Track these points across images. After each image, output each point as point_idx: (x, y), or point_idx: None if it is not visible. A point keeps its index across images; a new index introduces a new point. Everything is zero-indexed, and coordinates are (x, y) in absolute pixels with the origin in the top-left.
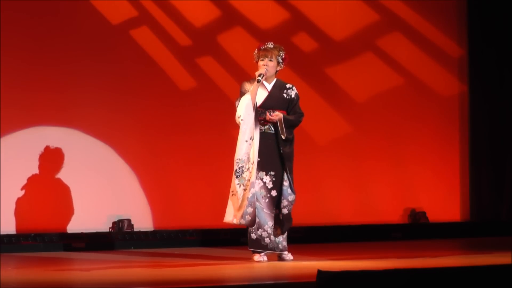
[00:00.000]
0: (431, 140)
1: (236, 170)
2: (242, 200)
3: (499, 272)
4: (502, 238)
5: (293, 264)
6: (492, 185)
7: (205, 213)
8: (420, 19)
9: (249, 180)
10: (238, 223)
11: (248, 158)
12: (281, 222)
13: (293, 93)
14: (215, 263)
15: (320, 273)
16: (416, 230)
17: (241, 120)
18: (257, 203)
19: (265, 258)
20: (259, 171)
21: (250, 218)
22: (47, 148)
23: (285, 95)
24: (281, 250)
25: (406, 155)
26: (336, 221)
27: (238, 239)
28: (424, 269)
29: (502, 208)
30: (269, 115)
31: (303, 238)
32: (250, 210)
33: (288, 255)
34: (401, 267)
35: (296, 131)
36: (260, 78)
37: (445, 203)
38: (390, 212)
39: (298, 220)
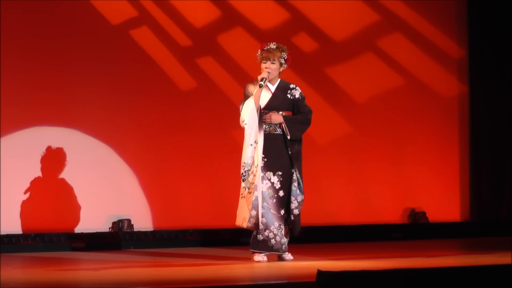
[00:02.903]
0: (431, 140)
1: (242, 173)
2: (248, 204)
3: (499, 272)
4: (502, 238)
5: (293, 264)
6: (492, 185)
7: (205, 213)
8: (420, 20)
9: (253, 183)
10: (246, 227)
11: (253, 162)
12: (292, 223)
13: (297, 93)
14: (215, 263)
15: (320, 273)
16: (416, 230)
17: (245, 124)
18: (264, 204)
19: (265, 258)
20: (266, 171)
21: (254, 221)
22: (47, 148)
23: (289, 96)
24: (283, 251)
25: (406, 155)
26: (336, 221)
27: (238, 239)
28: (424, 269)
29: (502, 208)
30: (265, 117)
31: (303, 238)
32: (253, 213)
33: (288, 255)
34: (401, 267)
35: None
36: (262, 83)
37: (445, 203)
38: (390, 212)
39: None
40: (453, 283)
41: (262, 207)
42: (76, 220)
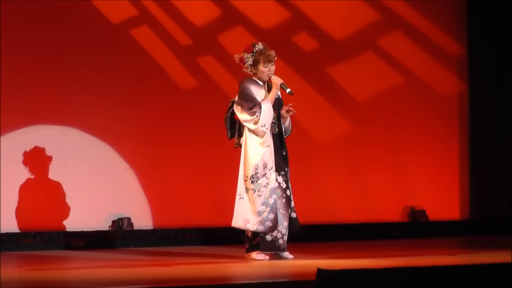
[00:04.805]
0: (431, 138)
1: (252, 175)
2: (257, 206)
3: (499, 271)
4: (502, 237)
5: (292, 262)
6: (492, 183)
7: (205, 212)
8: (420, 18)
9: (265, 185)
10: (255, 229)
11: (264, 164)
12: (295, 221)
13: (279, 93)
14: (215, 261)
15: (320, 271)
16: (415, 228)
17: (267, 129)
18: None
19: (267, 257)
20: (274, 172)
21: (271, 224)
22: (47, 147)
23: (276, 96)
24: (285, 250)
25: (405, 154)
26: (336, 220)
27: (237, 237)
28: (423, 267)
29: (502, 206)
30: (291, 109)
31: (303, 236)
32: (271, 216)
33: (288, 254)
34: (400, 265)
35: (295, 129)
36: (290, 90)
37: (445, 201)
38: (390, 210)
39: (298, 218)
40: (453, 281)
41: None
42: (76, 218)
